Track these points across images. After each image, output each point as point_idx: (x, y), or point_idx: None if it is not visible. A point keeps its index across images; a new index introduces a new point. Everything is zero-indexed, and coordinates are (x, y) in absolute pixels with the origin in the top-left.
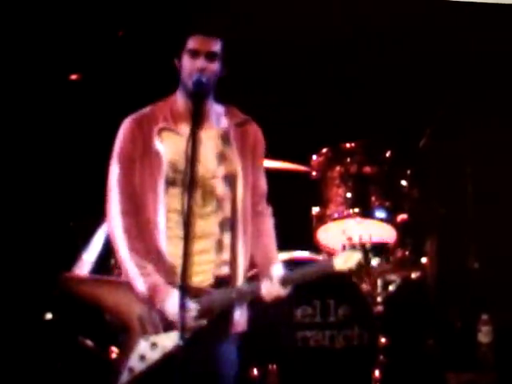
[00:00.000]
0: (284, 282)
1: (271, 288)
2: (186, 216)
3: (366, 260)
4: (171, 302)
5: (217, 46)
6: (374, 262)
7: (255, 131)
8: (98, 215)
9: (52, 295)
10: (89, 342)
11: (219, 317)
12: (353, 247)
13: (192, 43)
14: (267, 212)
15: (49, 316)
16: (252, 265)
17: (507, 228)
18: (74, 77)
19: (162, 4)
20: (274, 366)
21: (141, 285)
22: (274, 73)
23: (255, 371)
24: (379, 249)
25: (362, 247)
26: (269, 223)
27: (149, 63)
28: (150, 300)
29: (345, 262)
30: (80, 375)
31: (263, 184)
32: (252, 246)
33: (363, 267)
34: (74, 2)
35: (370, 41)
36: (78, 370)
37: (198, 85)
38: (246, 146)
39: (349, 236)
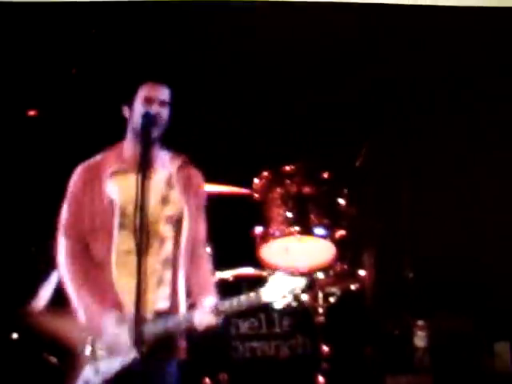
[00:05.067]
0: (215, 312)
1: (203, 318)
2: (138, 257)
3: (293, 293)
4: (107, 331)
5: (167, 94)
6: (301, 295)
7: (197, 177)
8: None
9: (16, 316)
10: (52, 359)
11: (162, 344)
12: (280, 279)
13: (145, 91)
14: (206, 256)
15: (15, 335)
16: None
17: (439, 240)
18: (31, 113)
19: (114, 50)
20: (225, 376)
21: (81, 315)
22: (215, 101)
23: (207, 380)
24: (308, 281)
25: (290, 279)
26: (207, 264)
27: (102, 103)
28: (88, 329)
29: (272, 293)
30: None
31: (203, 229)
32: (190, 281)
33: (289, 300)
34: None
35: (304, 62)
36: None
37: (147, 117)
38: (189, 188)
39: (277, 266)
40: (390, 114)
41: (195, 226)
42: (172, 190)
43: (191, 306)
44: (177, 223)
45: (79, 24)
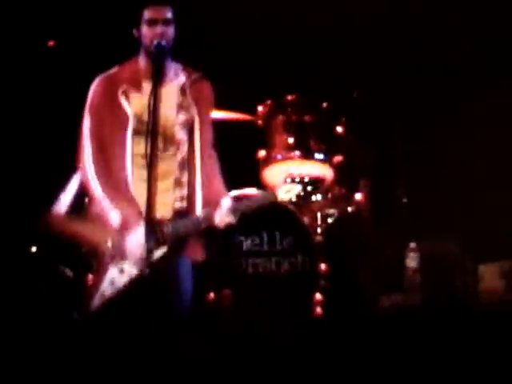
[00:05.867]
0: (233, 210)
1: (223, 216)
2: (150, 159)
3: (305, 192)
4: (139, 232)
5: (170, 14)
6: (312, 194)
7: (208, 88)
8: (73, 162)
9: (36, 232)
10: (68, 271)
11: (179, 244)
12: (293, 181)
13: (149, 14)
14: (215, 156)
15: (33, 249)
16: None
17: (431, 167)
18: (50, 43)
19: None
20: (229, 290)
21: (114, 216)
22: (224, 33)
23: (212, 295)
24: (317, 183)
25: (301, 181)
26: (217, 165)
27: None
28: (122, 229)
29: (286, 193)
30: (60, 299)
31: (211, 133)
32: (205, 183)
33: (302, 198)
34: None
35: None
36: (58, 295)
37: (159, 47)
38: (201, 98)
39: (290, 172)
40: (388, 48)
41: (207, 130)
42: (185, 97)
43: (209, 206)
44: (189, 128)
45: None
